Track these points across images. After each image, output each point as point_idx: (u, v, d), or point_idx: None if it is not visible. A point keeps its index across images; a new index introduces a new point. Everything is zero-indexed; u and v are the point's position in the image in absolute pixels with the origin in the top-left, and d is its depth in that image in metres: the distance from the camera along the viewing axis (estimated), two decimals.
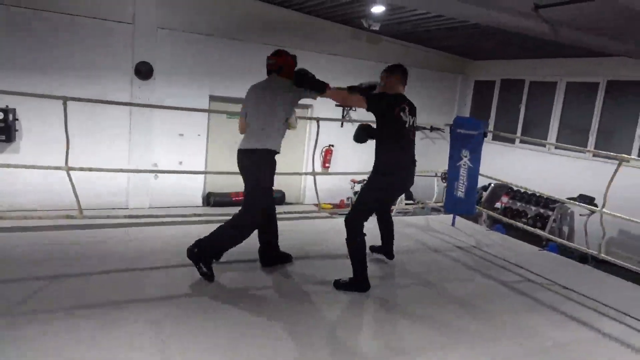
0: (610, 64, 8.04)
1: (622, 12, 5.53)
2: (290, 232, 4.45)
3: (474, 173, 4.81)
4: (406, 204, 9.02)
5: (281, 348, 2.64)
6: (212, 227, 3.49)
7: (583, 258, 7.01)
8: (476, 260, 4.43)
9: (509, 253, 4.71)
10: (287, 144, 3.78)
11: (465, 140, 4.80)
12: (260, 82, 3.69)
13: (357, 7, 7.91)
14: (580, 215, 7.62)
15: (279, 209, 4.08)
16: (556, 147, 8.88)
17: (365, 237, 3.45)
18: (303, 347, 2.70)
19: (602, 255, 4.19)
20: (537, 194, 8.12)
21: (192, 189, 8.69)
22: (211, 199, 8.72)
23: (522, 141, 9.64)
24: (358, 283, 3.43)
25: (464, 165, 4.83)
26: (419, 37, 9.49)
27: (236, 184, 9.37)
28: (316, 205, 9.58)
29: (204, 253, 3.34)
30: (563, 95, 9.12)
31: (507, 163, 9.47)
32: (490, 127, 10.50)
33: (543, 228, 8.53)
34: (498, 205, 9.10)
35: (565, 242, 5.16)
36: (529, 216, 8.91)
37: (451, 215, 5.49)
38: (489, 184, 8.27)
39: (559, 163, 8.69)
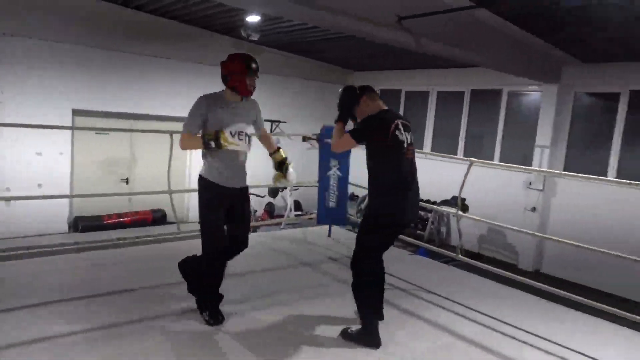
0: (473, 74, 8.67)
1: (474, 25, 5.95)
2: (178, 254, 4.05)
3: (343, 182, 4.80)
4: (295, 215, 8.93)
5: None
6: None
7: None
8: (348, 272, 4.38)
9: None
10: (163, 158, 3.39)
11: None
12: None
13: (234, 16, 7.69)
14: (453, 215, 8.06)
15: (160, 229, 3.69)
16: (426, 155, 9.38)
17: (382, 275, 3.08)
18: None
19: (460, 256, 4.35)
20: None
21: (55, 215, 7.76)
22: (79, 224, 7.87)
23: None
24: (368, 337, 2.94)
25: (333, 175, 4.80)
26: (300, 48, 9.51)
27: (109, 206, 8.77)
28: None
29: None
30: (435, 103, 9.68)
31: None
32: None
33: (424, 230, 8.94)
34: None
35: (427, 245, 5.34)
36: None
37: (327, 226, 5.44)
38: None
39: (435, 167, 9.16)
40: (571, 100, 7.76)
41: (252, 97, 3.20)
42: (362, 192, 8.93)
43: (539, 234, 6.64)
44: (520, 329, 3.39)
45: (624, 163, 7.22)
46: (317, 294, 3.81)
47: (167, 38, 8.37)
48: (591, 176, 4.99)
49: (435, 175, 9.44)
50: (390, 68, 10.25)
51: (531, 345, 3.19)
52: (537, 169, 7.82)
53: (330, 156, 4.77)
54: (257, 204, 9.48)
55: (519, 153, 8.38)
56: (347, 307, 3.47)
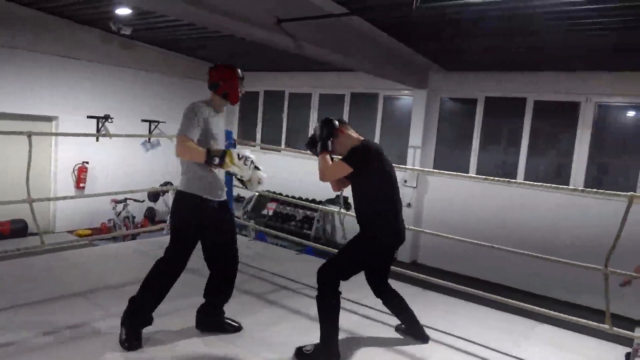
0: (352, 77, 9.07)
1: (350, 32, 6.22)
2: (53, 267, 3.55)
3: (228, 184, 4.68)
4: None
5: None
6: None
7: None
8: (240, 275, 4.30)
9: (268, 262, 4.74)
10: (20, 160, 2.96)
11: None
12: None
13: (102, 7, 7.09)
14: (337, 213, 8.36)
15: (19, 242, 3.19)
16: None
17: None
18: None
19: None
20: (303, 198, 8.66)
21: None
22: None
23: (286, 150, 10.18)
24: (327, 352, 2.81)
25: None
26: (178, 45, 9.12)
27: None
28: (71, 232, 8.36)
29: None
30: (317, 105, 9.95)
31: (275, 169, 9.87)
32: (259, 137, 10.82)
33: (310, 229, 9.14)
34: (265, 212, 9.38)
35: (314, 244, 5.47)
36: (297, 219, 9.43)
37: None
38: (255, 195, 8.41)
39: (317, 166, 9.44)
40: (437, 104, 8.52)
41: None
42: (247, 194, 8.85)
43: (414, 228, 7.17)
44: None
45: (481, 160, 8.13)
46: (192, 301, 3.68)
47: (26, 28, 7.47)
48: (455, 173, 5.56)
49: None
50: (274, 69, 10.31)
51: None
52: (411, 167, 8.44)
53: None
54: (135, 210, 8.90)
55: (395, 152, 8.97)
56: (230, 308, 3.41)
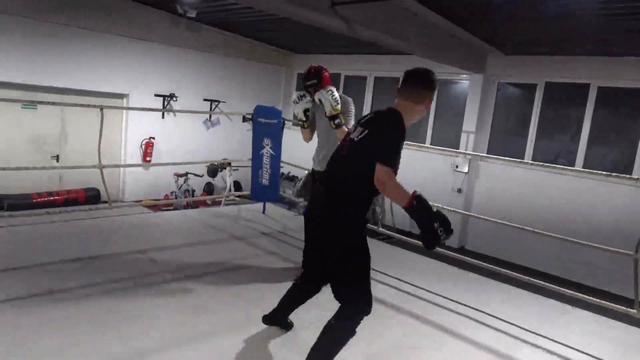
0: (407, 61, 9.03)
1: (405, 15, 6.24)
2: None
3: (276, 161, 4.97)
4: (236, 196, 9.01)
5: None
6: None
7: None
8: (279, 245, 4.60)
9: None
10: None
11: (267, 129, 4.93)
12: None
13: None
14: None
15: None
16: None
17: None
18: None
19: (380, 229, 4.69)
20: None
21: None
22: (4, 203, 7.54)
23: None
24: None
25: (266, 153, 4.96)
26: (239, 27, 9.48)
27: (39, 185, 8.43)
28: (137, 201, 9.08)
29: None
30: (372, 88, 10.02)
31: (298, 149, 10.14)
32: None
33: None
34: None
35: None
36: None
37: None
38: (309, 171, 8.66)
39: None
40: (494, 89, 8.32)
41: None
42: (298, 172, 9.13)
43: (464, 212, 7.16)
44: (442, 296, 3.76)
45: (538, 148, 7.89)
46: (247, 265, 4.00)
47: (98, 10, 8.10)
48: (510, 159, 5.51)
49: None
50: (331, 52, 10.45)
51: (449, 309, 3.56)
52: (464, 151, 8.36)
53: (263, 135, 4.92)
54: (195, 184, 9.48)
55: (448, 137, 8.89)
56: (274, 274, 3.70)
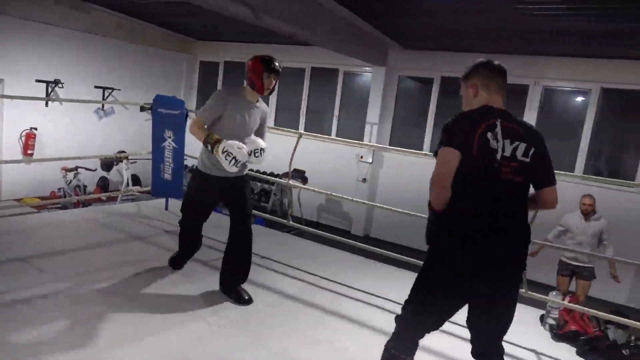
0: (313, 52, 9.06)
1: (310, 6, 6.21)
2: None
3: (179, 154, 4.69)
4: (133, 189, 8.42)
5: None
6: None
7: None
8: None
9: (218, 231, 4.80)
10: None
11: (168, 120, 4.62)
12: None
13: None
14: (294, 187, 8.47)
15: None
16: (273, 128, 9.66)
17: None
18: None
19: (291, 222, 4.65)
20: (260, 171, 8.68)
21: None
22: None
23: None
24: None
25: (168, 146, 4.66)
26: (136, 10, 8.82)
27: None
28: (18, 200, 8.12)
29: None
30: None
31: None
32: None
33: (267, 202, 9.23)
34: None
35: (264, 214, 5.55)
36: (255, 192, 9.48)
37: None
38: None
39: (276, 141, 9.45)
40: (395, 82, 8.66)
41: (263, 104, 3.26)
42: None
43: (369, 203, 7.38)
44: (344, 284, 3.79)
45: (435, 138, 8.37)
46: (148, 267, 3.73)
47: None
48: (411, 150, 5.72)
49: (277, 149, 9.79)
50: (236, 40, 10.15)
51: (349, 297, 3.60)
52: (368, 143, 8.60)
53: (165, 126, 4.61)
54: (87, 179, 8.72)
55: (353, 129, 9.10)
56: (178, 275, 3.49)
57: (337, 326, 3.17)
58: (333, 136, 9.06)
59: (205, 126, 3.06)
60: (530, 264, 2.40)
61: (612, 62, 6.84)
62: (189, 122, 3.18)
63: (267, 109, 3.32)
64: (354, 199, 5.20)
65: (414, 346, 2.04)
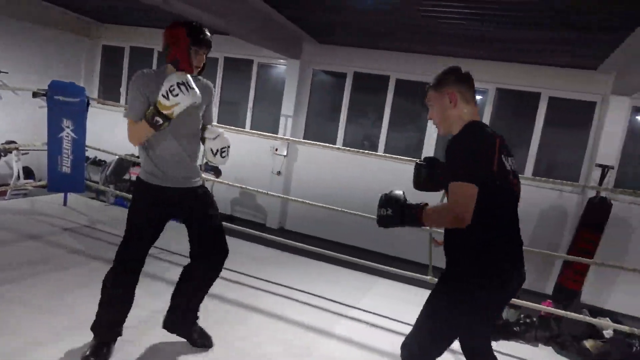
0: (227, 41, 8.83)
1: None
2: None
3: (79, 146, 4.35)
4: (26, 183, 7.66)
5: None
6: None
7: None
8: (85, 242, 4.06)
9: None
10: None
11: (66, 109, 4.26)
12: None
13: None
14: (207, 180, 8.25)
15: None
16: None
17: None
18: None
19: None
20: None
21: None
22: None
23: None
24: None
25: (66, 137, 4.30)
26: None
27: None
28: None
29: None
30: None
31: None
32: (123, 98, 10.06)
33: None
34: (127, 177, 8.89)
35: None
36: None
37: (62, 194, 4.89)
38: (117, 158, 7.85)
39: None
40: (310, 75, 8.73)
41: (205, 79, 2.57)
42: (107, 157, 8.24)
43: (283, 196, 7.40)
44: (266, 280, 3.78)
45: (348, 132, 8.60)
46: (44, 269, 3.43)
47: None
48: (324, 144, 5.83)
49: None
50: (144, 25, 9.58)
51: (267, 291, 3.59)
52: (281, 137, 8.60)
53: (62, 115, 4.25)
54: None
55: (268, 121, 9.04)
56: (82, 277, 3.24)
57: (254, 320, 3.15)
58: (247, 128, 8.93)
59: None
60: (438, 251, 2.58)
61: (505, 64, 7.47)
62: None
63: (209, 89, 2.61)
64: (269, 192, 5.19)
65: None
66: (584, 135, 7.21)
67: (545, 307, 3.64)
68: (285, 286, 3.73)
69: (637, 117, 7.07)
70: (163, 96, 2.22)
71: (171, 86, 2.21)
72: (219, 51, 9.20)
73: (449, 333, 1.94)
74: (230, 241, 4.78)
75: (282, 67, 8.99)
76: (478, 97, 8.01)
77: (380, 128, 8.32)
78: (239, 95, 9.33)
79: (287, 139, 8.56)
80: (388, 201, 2.02)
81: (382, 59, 8.13)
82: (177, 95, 2.20)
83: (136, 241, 2.47)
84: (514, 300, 3.53)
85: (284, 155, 8.74)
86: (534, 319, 3.61)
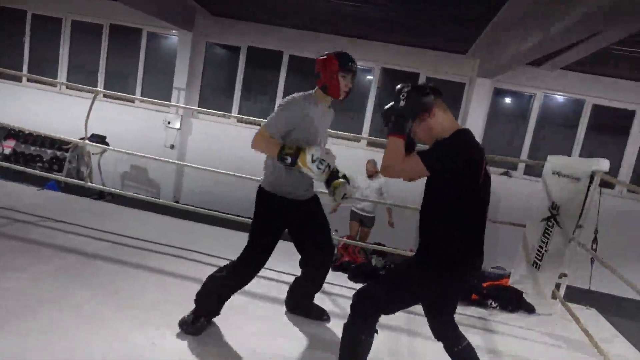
0: (112, 7, 8.35)
1: None
2: None
3: None
4: None
5: None
6: None
7: (101, 195, 7.35)
8: None
9: (2, 198, 4.28)
10: None
11: None
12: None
13: None
14: (93, 154, 7.86)
15: None
16: (67, 87, 8.71)
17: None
18: None
19: (89, 184, 4.44)
20: (50, 137, 7.75)
21: None
22: None
23: (29, 80, 8.89)
24: None
25: None
26: None
27: None
28: None
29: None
30: (69, 34, 8.87)
31: (13, 103, 8.59)
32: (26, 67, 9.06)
33: (60, 170, 8.33)
34: (0, 150, 8.15)
35: (59, 177, 5.14)
36: (45, 160, 8.46)
37: None
38: None
39: (72, 103, 8.53)
40: (203, 48, 8.62)
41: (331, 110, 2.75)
42: None
43: (178, 162, 7.32)
44: (160, 243, 3.83)
45: (243, 107, 8.69)
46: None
47: None
48: (221, 113, 5.87)
49: (72, 111, 8.92)
50: None
51: (156, 252, 3.67)
52: (176, 104, 8.43)
53: None
54: None
55: (159, 94, 8.78)
56: None
57: (142, 278, 3.23)
58: (138, 101, 8.60)
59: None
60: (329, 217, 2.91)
61: (390, 46, 8.07)
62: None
63: (333, 114, 2.79)
64: (160, 158, 5.17)
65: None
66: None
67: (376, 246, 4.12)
68: (178, 247, 3.82)
69: (497, 97, 8.13)
70: (312, 160, 2.46)
71: (323, 161, 2.49)
72: (104, 17, 8.68)
73: (409, 293, 2.08)
74: (121, 209, 4.74)
75: (174, 38, 8.75)
76: (368, 78, 8.53)
77: (274, 103, 8.52)
78: (127, 67, 8.90)
79: (181, 107, 8.41)
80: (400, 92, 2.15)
81: (276, 34, 8.29)
82: (319, 168, 2.48)
83: (264, 247, 2.66)
84: (381, 248, 4.05)
85: (177, 129, 8.60)
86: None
